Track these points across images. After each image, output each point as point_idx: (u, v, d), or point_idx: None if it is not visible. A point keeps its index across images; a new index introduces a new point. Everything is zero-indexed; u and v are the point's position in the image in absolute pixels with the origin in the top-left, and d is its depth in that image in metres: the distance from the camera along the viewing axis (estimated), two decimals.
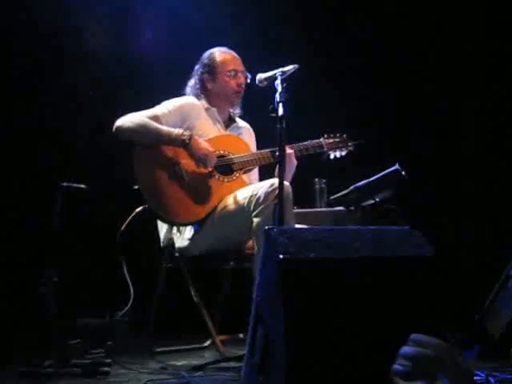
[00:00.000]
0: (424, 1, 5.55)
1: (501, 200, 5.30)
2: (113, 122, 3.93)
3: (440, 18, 5.54)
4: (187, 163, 3.90)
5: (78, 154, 5.19)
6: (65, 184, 3.69)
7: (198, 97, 4.18)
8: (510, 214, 5.14)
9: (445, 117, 5.55)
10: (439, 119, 5.55)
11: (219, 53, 4.21)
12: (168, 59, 5.28)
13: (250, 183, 4.09)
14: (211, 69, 4.16)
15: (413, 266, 2.62)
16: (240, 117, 4.33)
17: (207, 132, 4.07)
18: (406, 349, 1.62)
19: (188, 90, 4.23)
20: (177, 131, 3.90)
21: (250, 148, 4.11)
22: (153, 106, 4.06)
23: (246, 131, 4.32)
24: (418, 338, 1.63)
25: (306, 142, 4.06)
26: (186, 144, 3.87)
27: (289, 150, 3.94)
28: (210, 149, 3.91)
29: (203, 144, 3.91)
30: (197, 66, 4.23)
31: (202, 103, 4.16)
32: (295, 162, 4.00)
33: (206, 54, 4.23)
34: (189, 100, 4.16)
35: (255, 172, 4.25)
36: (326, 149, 4.08)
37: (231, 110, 4.27)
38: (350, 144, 4.12)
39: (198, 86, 4.19)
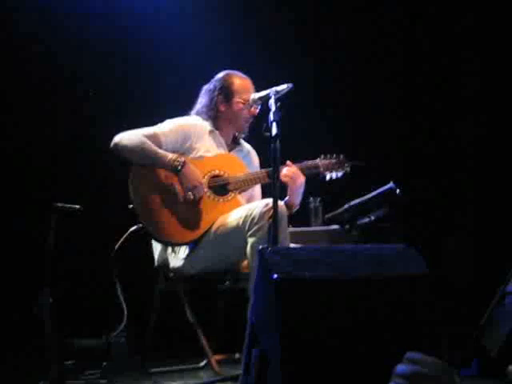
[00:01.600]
0: (423, 20, 5.57)
1: (498, 216, 5.29)
2: (108, 141, 3.92)
3: (437, 34, 5.56)
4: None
5: (73, 173, 5.17)
6: (59, 204, 3.68)
7: (206, 117, 4.15)
8: (507, 231, 5.13)
9: (441, 132, 5.56)
10: (436, 134, 5.56)
11: (237, 78, 4.16)
12: (167, 78, 5.28)
13: (253, 199, 4.11)
14: (228, 92, 4.11)
15: (409, 283, 2.62)
16: (244, 139, 4.30)
17: (208, 154, 4.05)
18: (401, 367, 1.62)
19: (198, 106, 4.19)
20: (171, 156, 3.89)
21: (246, 168, 4.09)
22: (152, 125, 4.05)
23: (249, 154, 4.30)
24: (414, 357, 1.63)
25: (302, 163, 4.05)
26: (177, 171, 3.86)
27: (293, 168, 3.95)
28: (201, 179, 3.90)
29: (194, 174, 3.89)
30: (210, 86, 4.17)
31: (206, 125, 4.14)
32: (303, 179, 3.97)
33: (223, 75, 4.17)
34: (191, 121, 4.14)
35: (258, 189, 4.23)
36: (322, 169, 4.06)
37: (235, 132, 4.24)
38: (346, 165, 4.11)
39: (209, 106, 4.14)
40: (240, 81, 4.15)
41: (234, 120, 4.15)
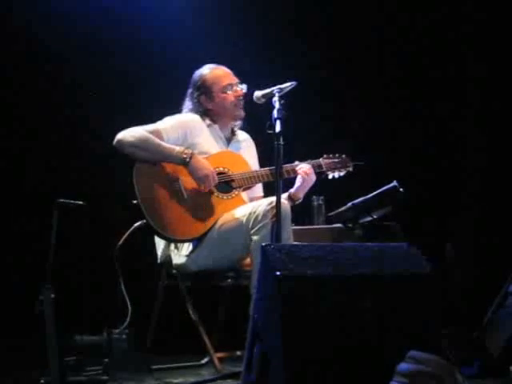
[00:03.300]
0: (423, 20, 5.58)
1: (501, 216, 5.30)
2: (112, 136, 3.92)
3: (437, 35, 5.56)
4: (187, 180, 3.90)
5: (75, 169, 5.18)
6: (62, 200, 3.68)
7: (200, 116, 4.16)
8: (509, 230, 5.13)
9: (444, 131, 5.57)
10: (438, 134, 5.57)
11: (209, 71, 4.18)
12: (169, 76, 5.28)
13: (254, 198, 4.12)
14: (206, 89, 4.13)
15: (411, 282, 2.62)
16: (241, 128, 4.31)
17: (209, 149, 4.06)
18: (403, 365, 1.62)
19: (186, 111, 4.21)
20: (178, 149, 3.90)
21: (249, 166, 4.10)
22: (153, 122, 4.05)
23: (246, 144, 4.31)
24: (416, 355, 1.63)
25: (305, 162, 4.05)
26: (186, 163, 3.87)
27: (306, 166, 3.98)
28: (211, 168, 3.90)
29: (204, 163, 3.90)
30: (190, 90, 4.19)
31: (204, 121, 4.14)
32: (314, 178, 4.01)
33: (196, 75, 4.19)
34: (191, 116, 4.14)
35: (259, 187, 4.24)
36: (325, 169, 4.08)
37: (233, 123, 4.24)
38: (349, 165, 4.13)
39: (197, 109, 4.15)
40: (211, 73, 4.17)
41: (225, 111, 4.16)
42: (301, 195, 4.02)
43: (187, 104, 4.20)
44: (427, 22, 5.57)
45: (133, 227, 3.97)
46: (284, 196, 3.83)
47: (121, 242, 3.97)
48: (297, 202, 4.02)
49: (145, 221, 3.84)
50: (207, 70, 4.18)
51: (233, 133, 4.26)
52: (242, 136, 4.31)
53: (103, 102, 5.21)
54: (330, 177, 4.11)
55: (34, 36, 5.19)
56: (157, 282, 4.10)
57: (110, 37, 5.25)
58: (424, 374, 1.59)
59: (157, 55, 5.33)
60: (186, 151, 3.88)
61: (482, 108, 5.49)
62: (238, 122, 4.24)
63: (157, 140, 3.91)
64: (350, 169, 4.13)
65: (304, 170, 3.98)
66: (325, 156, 4.12)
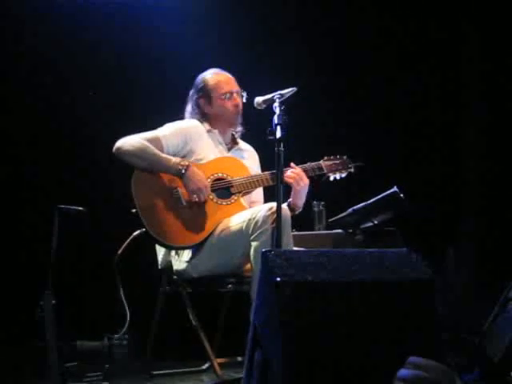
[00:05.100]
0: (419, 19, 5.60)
1: (502, 220, 5.30)
2: (111, 145, 3.93)
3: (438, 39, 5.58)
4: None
5: (76, 177, 5.18)
6: (63, 207, 3.69)
7: (199, 121, 4.17)
8: (510, 235, 5.14)
9: (445, 135, 5.58)
10: (439, 138, 5.57)
11: (212, 75, 4.18)
12: (169, 82, 5.28)
13: (254, 203, 4.12)
14: (206, 93, 4.14)
15: (412, 289, 2.62)
16: (242, 136, 4.30)
17: (209, 155, 4.06)
18: (403, 371, 1.62)
19: (187, 115, 4.22)
20: (174, 160, 3.90)
21: (249, 171, 4.09)
22: (154, 129, 4.06)
23: (249, 154, 4.30)
24: (417, 361, 1.63)
25: (305, 165, 4.04)
26: (181, 174, 3.86)
27: (297, 169, 3.95)
28: (205, 182, 3.91)
29: (199, 176, 3.89)
30: (191, 92, 4.20)
31: (204, 126, 4.16)
32: (307, 182, 3.96)
33: (199, 78, 4.20)
34: (191, 123, 4.15)
35: (259, 192, 4.23)
36: (325, 171, 4.06)
37: (233, 131, 4.25)
38: (349, 166, 4.11)
39: (196, 111, 4.17)
40: (213, 78, 4.18)
41: (221, 116, 4.16)
42: (299, 203, 3.97)
43: (188, 107, 4.22)
44: (427, 20, 5.59)
45: (132, 236, 3.97)
46: (284, 205, 3.82)
47: (120, 250, 3.97)
48: (297, 212, 3.99)
49: (144, 229, 3.84)
50: (210, 75, 4.19)
51: (234, 140, 4.26)
52: (245, 146, 4.31)
53: (104, 107, 5.22)
54: (332, 178, 4.09)
55: (33, 37, 5.20)
56: (157, 288, 4.10)
57: (111, 43, 5.27)
58: (424, 380, 1.59)
59: (158, 61, 5.34)
60: (182, 163, 3.88)
61: (483, 111, 5.50)
62: (239, 129, 4.24)
63: (155, 150, 3.91)
64: (351, 170, 4.11)
65: (288, 175, 3.90)
66: (325, 158, 4.10)
